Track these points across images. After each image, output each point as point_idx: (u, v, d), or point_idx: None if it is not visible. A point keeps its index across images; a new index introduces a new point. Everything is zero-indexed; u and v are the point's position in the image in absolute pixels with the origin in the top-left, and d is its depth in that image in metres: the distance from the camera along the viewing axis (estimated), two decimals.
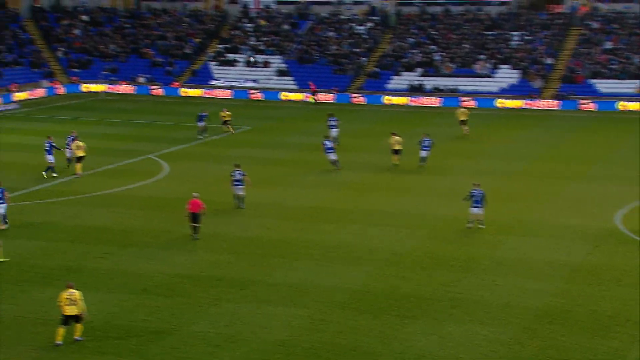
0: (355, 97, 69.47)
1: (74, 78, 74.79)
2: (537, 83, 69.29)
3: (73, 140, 40.36)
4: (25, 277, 25.41)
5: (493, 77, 70.90)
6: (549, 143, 50.17)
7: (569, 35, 74.76)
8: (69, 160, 40.64)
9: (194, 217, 29.61)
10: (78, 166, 39.47)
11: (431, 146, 42.64)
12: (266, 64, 75.58)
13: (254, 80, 74.03)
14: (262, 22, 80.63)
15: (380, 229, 31.27)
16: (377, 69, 73.35)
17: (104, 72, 74.68)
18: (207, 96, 71.38)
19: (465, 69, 71.96)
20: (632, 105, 63.77)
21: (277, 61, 75.94)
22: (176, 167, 41.84)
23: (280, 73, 74.50)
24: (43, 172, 38.95)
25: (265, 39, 78.41)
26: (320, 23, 79.85)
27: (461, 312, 23.26)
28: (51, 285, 24.69)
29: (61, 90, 71.98)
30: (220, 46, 78.37)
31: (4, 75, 70.10)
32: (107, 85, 73.01)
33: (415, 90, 70.38)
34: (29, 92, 68.57)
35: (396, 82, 72.06)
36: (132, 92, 72.99)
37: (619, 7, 77.98)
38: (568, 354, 20.63)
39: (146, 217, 32.38)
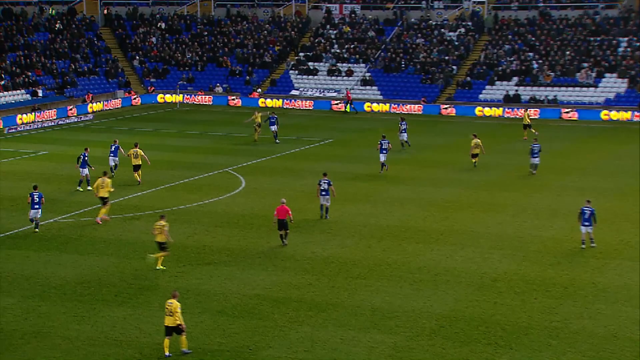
0: (445, 109, 69.07)
1: (150, 88, 76.83)
2: None
3: (117, 149, 42.86)
4: (98, 295, 26.17)
5: (597, 86, 69.39)
6: None
7: None
8: (114, 168, 42.81)
9: (282, 224, 30.74)
10: (136, 174, 41.49)
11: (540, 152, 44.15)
12: (350, 73, 75.97)
13: (337, 91, 74.48)
14: (346, 29, 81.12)
15: (471, 250, 30.95)
16: (469, 78, 72.78)
17: (181, 82, 76.47)
18: (287, 107, 72.19)
19: (566, 78, 70.66)
20: None
21: (361, 70, 76.24)
22: (253, 182, 42.41)
23: (365, 82, 74.75)
24: (78, 187, 39.81)
25: (349, 46, 78.85)
26: (408, 29, 79.82)
27: (561, 342, 22.78)
28: (124, 304, 25.35)
29: (137, 100, 74.04)
30: (302, 54, 79.21)
31: (78, 85, 72.58)
32: (184, 96, 74.70)
33: (511, 101, 69.47)
34: (104, 102, 70.77)
35: (490, 92, 71.30)
36: (209, 102, 74.48)
37: None
38: None
39: (222, 233, 32.90)
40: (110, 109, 70.34)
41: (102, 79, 75.86)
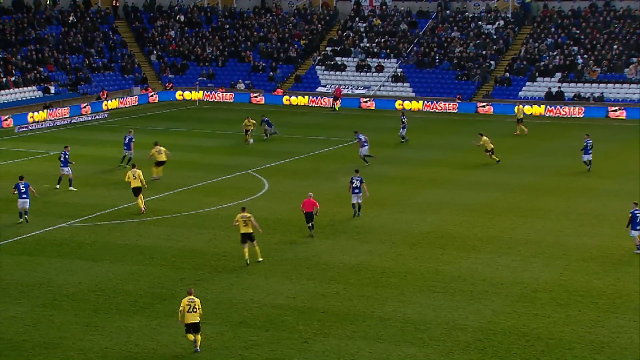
0: (482, 107, 68.79)
1: (168, 85, 77.29)
2: None
3: (131, 140, 45.68)
4: (113, 304, 26.35)
5: None
6: None
7: None
8: (130, 159, 44.95)
9: (309, 217, 32.80)
10: (158, 169, 42.72)
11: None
12: (380, 69, 75.93)
13: (366, 87, 74.48)
14: (377, 21, 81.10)
15: (510, 258, 30.79)
16: (508, 74, 72.45)
17: (200, 78, 76.85)
18: (313, 104, 72.30)
19: (613, 74, 70.14)
20: None
21: (392, 65, 76.19)
22: (276, 184, 42.52)
23: (396, 79, 74.68)
24: (57, 186, 41.03)
25: (379, 40, 78.82)
26: (443, 22, 79.62)
27: (607, 358, 22.63)
28: (139, 313, 25.51)
29: (154, 97, 74.51)
30: (329, 48, 79.29)
31: (92, 82, 73.18)
32: (204, 93, 75.05)
33: (553, 98, 69.09)
34: (120, 99, 71.29)
35: (530, 89, 70.95)
36: (230, 100, 74.78)
37: None
38: None
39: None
40: (126, 107, 70.85)
41: (118, 75, 76.42)
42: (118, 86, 74.98)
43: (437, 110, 69.16)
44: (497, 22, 78.24)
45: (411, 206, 38.34)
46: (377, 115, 68.07)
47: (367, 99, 71.95)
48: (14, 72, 68.65)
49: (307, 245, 32.29)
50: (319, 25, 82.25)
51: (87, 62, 75.16)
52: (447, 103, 69.64)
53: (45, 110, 64.16)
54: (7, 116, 61.57)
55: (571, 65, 71.63)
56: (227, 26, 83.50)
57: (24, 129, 59.98)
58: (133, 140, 46.09)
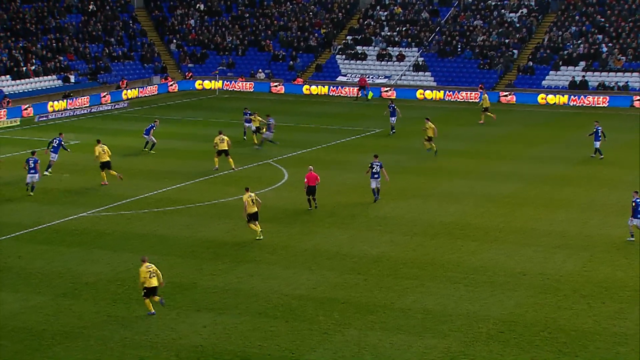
0: (504, 96, 68.50)
1: (188, 74, 77.48)
2: None
3: (153, 127, 47.34)
4: (133, 294, 26.46)
5: None
6: None
7: None
8: (153, 144, 47.01)
9: (311, 190, 34.32)
10: (224, 159, 43.02)
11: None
12: (401, 58, 75.73)
13: (387, 77, 74.32)
14: (398, 10, 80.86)
15: (532, 249, 30.70)
16: (531, 63, 72.07)
17: (220, 67, 76.95)
18: (334, 94, 72.21)
19: (638, 63, 69.60)
20: None
21: (413, 54, 75.96)
22: (297, 174, 42.53)
23: (417, 68, 74.46)
24: (46, 172, 41.45)
25: (400, 28, 78.59)
26: (465, 10, 79.25)
27: (630, 350, 22.54)
28: (157, 305, 25.60)
29: (174, 87, 74.72)
30: (349, 37, 79.17)
31: (112, 71, 73.47)
32: (223, 82, 75.16)
33: (577, 87, 68.66)
34: (139, 89, 71.54)
35: (554, 78, 70.54)
36: (250, 89, 74.87)
37: None
38: None
39: (264, 229, 33.04)
40: (145, 96, 71.06)
41: (137, 64, 76.67)
42: (138, 75, 75.24)
43: (458, 100, 68.92)
44: (520, 10, 77.78)
45: (432, 197, 38.28)
46: (398, 104, 67.74)
47: (388, 88, 71.81)
48: (34, 61, 69.04)
49: (328, 235, 32.33)
50: (340, 13, 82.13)
51: (107, 51, 75.45)
52: (468, 92, 69.39)
53: (65, 100, 64.53)
54: (27, 105, 61.94)
55: (595, 53, 71.13)
56: (247, 15, 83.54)
57: (44, 118, 60.34)
58: (154, 128, 47.64)
